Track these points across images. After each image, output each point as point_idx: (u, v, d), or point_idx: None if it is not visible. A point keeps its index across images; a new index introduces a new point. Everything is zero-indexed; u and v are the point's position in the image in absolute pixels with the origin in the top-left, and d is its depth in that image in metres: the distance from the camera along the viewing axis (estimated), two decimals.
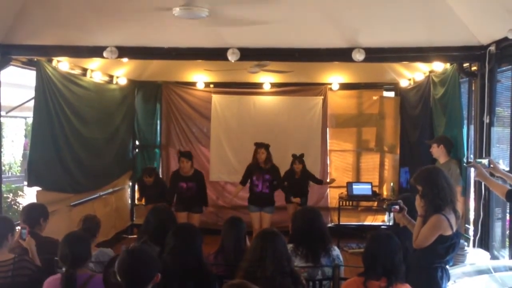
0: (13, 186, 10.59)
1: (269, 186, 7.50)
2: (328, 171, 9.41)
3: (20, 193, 10.04)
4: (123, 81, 8.49)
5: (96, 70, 7.45)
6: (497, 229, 5.42)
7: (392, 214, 7.08)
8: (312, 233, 4.12)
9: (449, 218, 3.67)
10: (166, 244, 3.59)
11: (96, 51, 5.73)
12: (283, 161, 8.07)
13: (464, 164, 5.65)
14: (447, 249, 3.73)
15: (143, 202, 8.52)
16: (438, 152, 5.90)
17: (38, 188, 6.32)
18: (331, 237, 4.30)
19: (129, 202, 9.41)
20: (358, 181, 9.25)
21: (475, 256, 4.77)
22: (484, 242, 5.22)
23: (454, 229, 3.71)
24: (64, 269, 3.41)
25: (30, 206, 4.68)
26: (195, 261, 3.52)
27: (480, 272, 4.23)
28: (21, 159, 14.33)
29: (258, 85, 9.25)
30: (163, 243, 3.62)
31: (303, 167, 7.95)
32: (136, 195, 9.03)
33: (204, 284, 3.49)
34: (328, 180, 8.75)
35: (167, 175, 9.08)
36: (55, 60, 6.38)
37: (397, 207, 3.96)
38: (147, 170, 8.22)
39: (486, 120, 5.25)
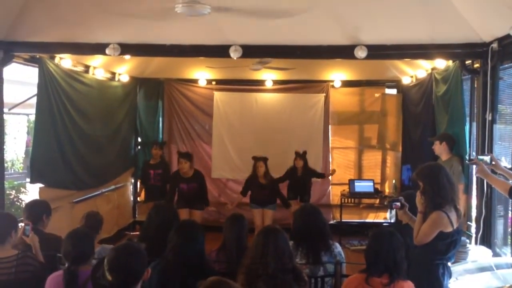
0: (15, 183, 10.59)
1: (268, 195, 7.65)
2: (330, 168, 9.41)
3: (22, 190, 10.05)
4: (125, 78, 8.50)
5: (98, 67, 7.46)
6: (499, 226, 5.42)
7: (394, 211, 7.09)
8: (312, 232, 4.12)
9: (449, 215, 3.68)
10: (168, 241, 3.60)
11: (99, 48, 5.73)
12: (285, 158, 8.11)
13: (466, 161, 5.64)
14: (447, 246, 3.74)
15: (142, 196, 8.55)
16: (440, 149, 5.90)
17: (41, 185, 6.34)
18: (331, 233, 4.31)
19: (131, 199, 9.42)
20: (360, 178, 9.26)
21: (477, 253, 4.78)
22: (486, 239, 5.22)
23: (455, 226, 3.72)
24: (66, 265, 3.42)
25: (33, 203, 4.70)
26: (197, 258, 3.53)
27: (482, 269, 4.24)
28: (24, 156, 14.32)
29: (260, 82, 9.26)
30: (165, 240, 3.63)
31: (305, 164, 8.01)
32: (138, 185, 9.07)
33: (205, 278, 3.50)
34: (330, 172, 8.81)
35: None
36: (57, 57, 6.38)
37: (398, 203, 3.97)
38: (156, 142, 8.62)
39: (489, 117, 5.24)
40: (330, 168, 9.37)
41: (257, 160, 7.60)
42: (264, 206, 7.59)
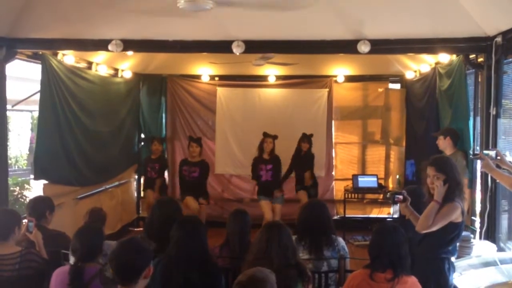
0: (19, 179, 10.63)
1: (272, 175, 7.73)
2: (334, 163, 9.40)
3: (26, 186, 10.09)
4: (128, 75, 8.49)
5: (101, 64, 7.46)
6: (504, 221, 5.41)
7: (397, 206, 7.10)
8: (316, 226, 4.13)
9: (462, 206, 3.77)
10: (171, 236, 3.60)
11: (101, 44, 5.72)
12: (288, 153, 8.10)
13: (471, 156, 5.62)
14: (453, 237, 3.80)
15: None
16: (444, 144, 5.88)
17: (45, 181, 6.34)
18: (335, 229, 4.31)
19: (135, 195, 9.43)
20: (363, 173, 9.23)
21: (481, 248, 4.77)
22: (491, 234, 5.21)
23: (464, 216, 3.81)
24: (72, 261, 3.42)
25: (36, 199, 4.71)
26: (200, 252, 3.53)
27: (486, 264, 4.24)
28: (27, 152, 14.39)
29: (263, 78, 9.23)
30: (168, 235, 3.63)
31: (309, 148, 8.12)
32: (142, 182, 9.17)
33: (209, 275, 3.50)
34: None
35: (173, 167, 9.14)
36: (60, 53, 6.38)
37: (400, 196, 3.95)
38: (156, 138, 8.80)
39: (493, 111, 5.22)
40: (334, 164, 9.37)
41: (267, 136, 7.74)
42: (272, 196, 7.65)
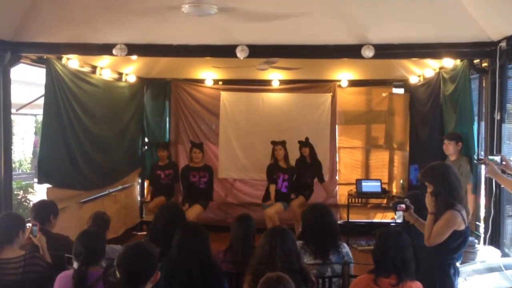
0: (23, 183, 10.64)
1: (287, 187, 7.78)
2: (337, 168, 9.39)
3: (30, 190, 10.10)
4: (132, 79, 8.51)
5: (105, 68, 7.47)
6: (508, 226, 5.39)
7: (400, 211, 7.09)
8: (322, 230, 4.12)
9: (462, 213, 3.68)
10: (173, 240, 3.60)
11: (106, 49, 5.73)
12: (292, 157, 8.09)
13: (475, 161, 5.61)
14: (459, 244, 3.73)
15: (149, 198, 8.58)
16: (455, 149, 5.85)
17: (48, 185, 6.35)
18: (340, 234, 4.30)
19: (139, 199, 9.43)
20: (367, 178, 9.21)
21: (485, 253, 4.75)
22: (495, 240, 5.19)
23: (467, 223, 3.72)
24: (75, 265, 3.42)
25: (40, 203, 4.71)
26: (202, 254, 3.54)
27: (491, 269, 4.22)
28: (31, 156, 14.40)
29: (267, 82, 9.23)
30: (172, 240, 3.63)
31: (311, 150, 8.10)
32: (145, 191, 9.14)
33: (211, 276, 3.50)
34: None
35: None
36: (64, 57, 6.39)
37: (403, 205, 3.90)
38: (162, 144, 8.73)
39: (497, 116, 5.21)
40: (338, 168, 9.36)
41: (275, 144, 7.76)
42: (282, 201, 7.75)
